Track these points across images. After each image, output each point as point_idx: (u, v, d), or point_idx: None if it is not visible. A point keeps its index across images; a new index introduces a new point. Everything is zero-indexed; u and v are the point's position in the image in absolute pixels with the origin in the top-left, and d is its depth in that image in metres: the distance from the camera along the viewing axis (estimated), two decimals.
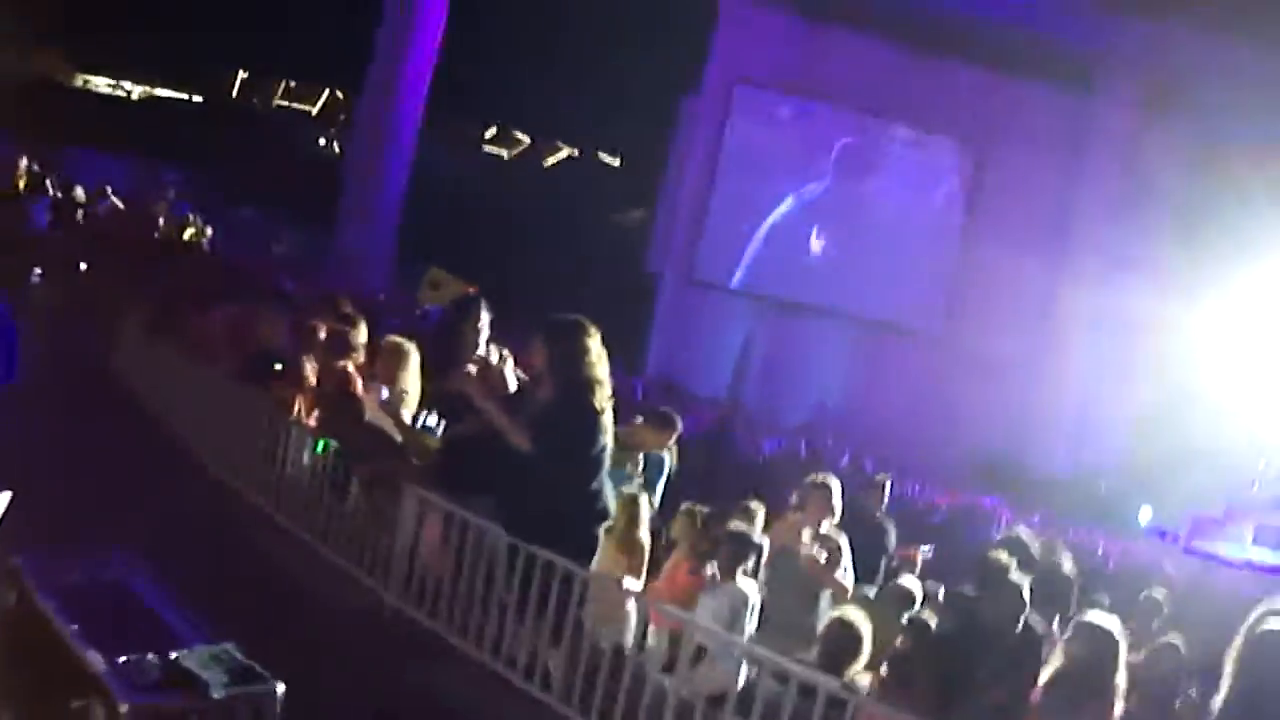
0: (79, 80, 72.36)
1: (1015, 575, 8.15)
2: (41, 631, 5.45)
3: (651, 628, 8.24)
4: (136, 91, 74.20)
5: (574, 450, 7.60)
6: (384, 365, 9.95)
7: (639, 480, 10.34)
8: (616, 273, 39.72)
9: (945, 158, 34.64)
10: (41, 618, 5.50)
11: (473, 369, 8.39)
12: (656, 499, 10.49)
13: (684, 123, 35.72)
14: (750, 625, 8.35)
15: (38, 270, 21.05)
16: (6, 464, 9.52)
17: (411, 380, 9.86)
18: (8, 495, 2.14)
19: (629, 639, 7.84)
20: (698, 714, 6.72)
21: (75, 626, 5.29)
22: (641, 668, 7.10)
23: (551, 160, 72.74)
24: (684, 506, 9.64)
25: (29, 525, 7.76)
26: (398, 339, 10.60)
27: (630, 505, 8.75)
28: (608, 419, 7.75)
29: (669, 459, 11.25)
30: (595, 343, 7.79)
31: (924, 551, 13.11)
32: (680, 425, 11.52)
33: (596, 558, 8.00)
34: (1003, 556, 8.45)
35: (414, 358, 9.91)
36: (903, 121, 34.23)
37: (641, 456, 10.73)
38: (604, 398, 7.71)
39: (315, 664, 7.34)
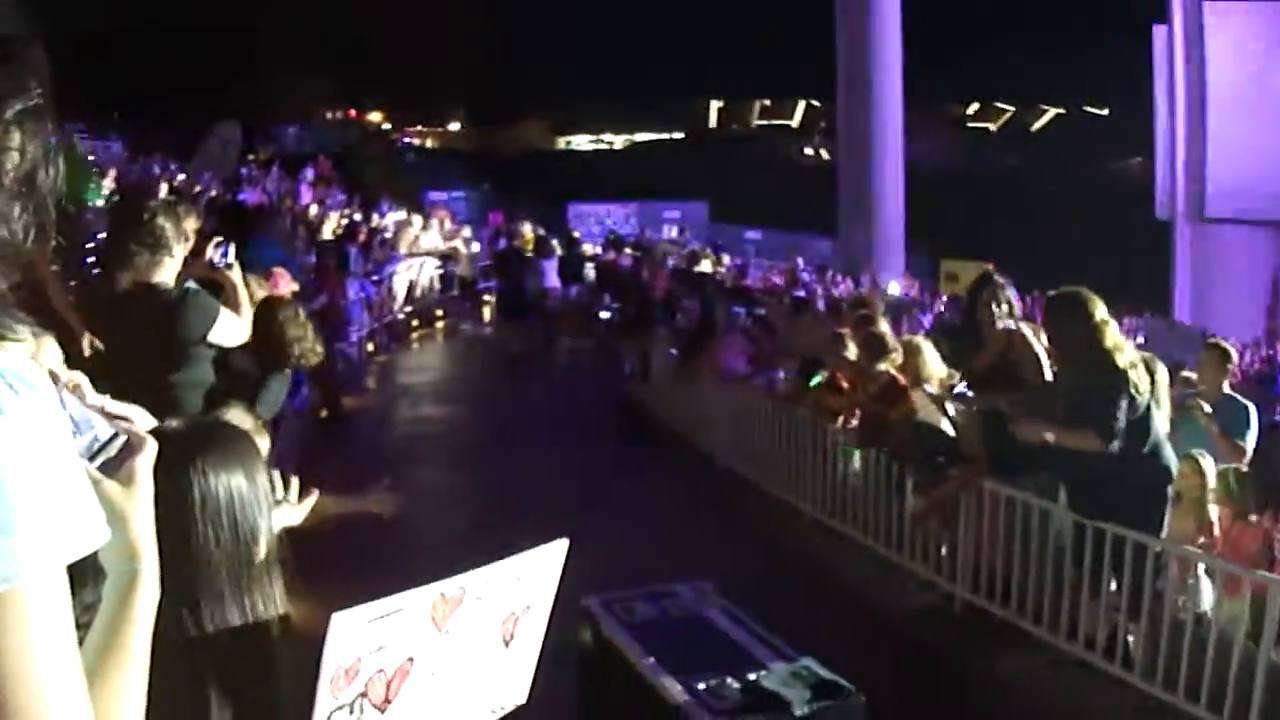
0: (563, 143, 75.90)
1: None
2: (619, 666, 5.59)
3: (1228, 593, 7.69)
4: (619, 141, 77.15)
5: (1117, 422, 7.26)
6: (907, 363, 9.83)
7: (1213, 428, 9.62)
8: (1126, 223, 38.38)
9: None
10: (618, 653, 5.64)
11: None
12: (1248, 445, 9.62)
13: (1161, 55, 33.84)
14: None
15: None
16: (562, 506, 10.01)
17: (935, 372, 9.71)
18: (564, 543, 2.16)
19: (1208, 606, 7.38)
20: None
21: (651, 659, 5.39)
22: (1227, 635, 6.69)
23: (1039, 123, 71.20)
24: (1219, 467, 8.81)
25: (594, 563, 8.09)
26: (913, 336, 10.51)
27: (1194, 463, 8.26)
28: (1142, 379, 7.37)
29: (1249, 405, 10.22)
30: (1100, 309, 7.46)
31: None
32: (1234, 357, 10.72)
33: (1167, 522, 7.62)
34: None
35: (930, 351, 9.76)
36: None
37: (1209, 404, 9.91)
38: (1128, 360, 7.35)
39: (893, 668, 7.34)
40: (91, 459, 1.58)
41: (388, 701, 2.19)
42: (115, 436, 1.62)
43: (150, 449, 1.65)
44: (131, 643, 1.59)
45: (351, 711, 2.13)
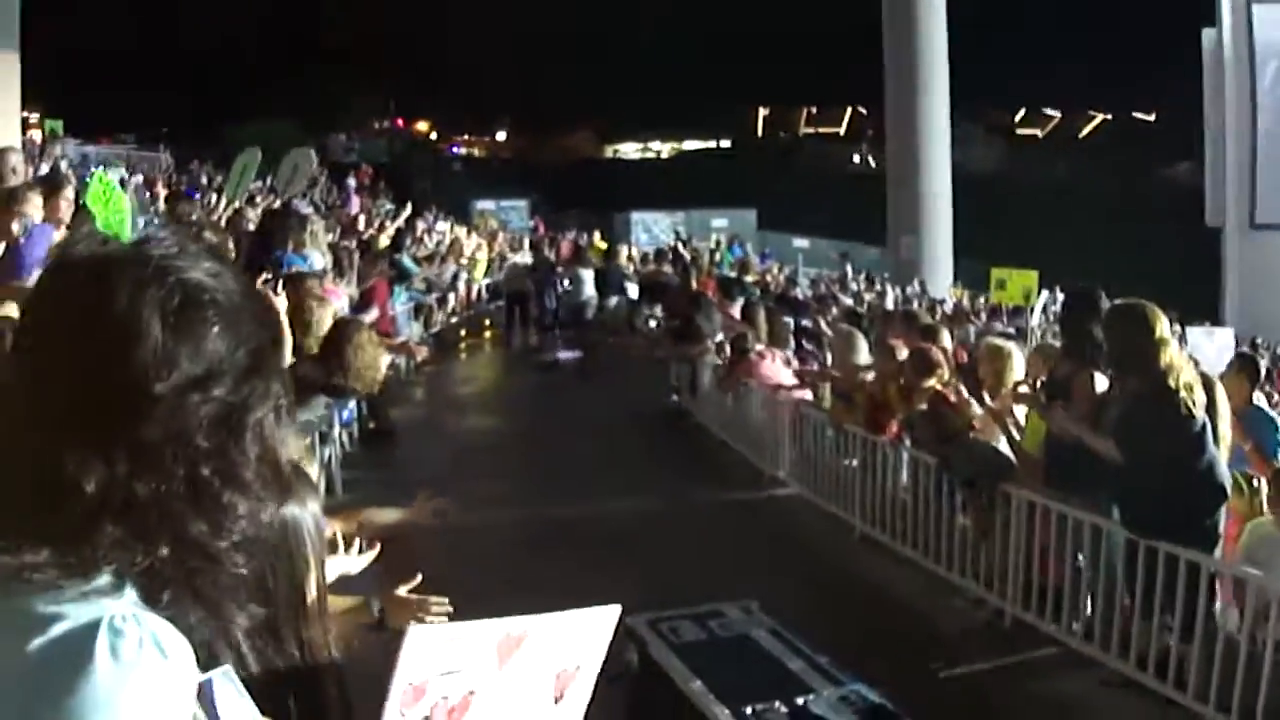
0: (610, 151, 76.05)
1: None
2: (665, 689, 5.54)
3: None
4: (665, 150, 77.26)
5: (1170, 443, 7.13)
6: (988, 369, 9.56)
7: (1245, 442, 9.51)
8: (1175, 230, 38.08)
9: None
10: (664, 675, 5.59)
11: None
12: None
13: (1209, 59, 33.38)
14: None
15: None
16: (607, 522, 9.95)
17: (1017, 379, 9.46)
18: (617, 608, 2.15)
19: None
20: None
21: (698, 683, 5.35)
22: None
23: (1086, 129, 70.88)
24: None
25: (640, 582, 8.02)
26: (998, 341, 10.30)
27: (1275, 478, 8.08)
28: (1198, 398, 7.22)
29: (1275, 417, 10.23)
30: (1162, 324, 7.32)
31: None
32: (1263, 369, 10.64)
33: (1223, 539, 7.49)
34: None
35: (1018, 358, 9.48)
36: None
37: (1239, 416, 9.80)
38: (1184, 381, 7.20)
39: (943, 690, 7.25)
40: None
41: None
42: None
43: None
44: None
45: None
